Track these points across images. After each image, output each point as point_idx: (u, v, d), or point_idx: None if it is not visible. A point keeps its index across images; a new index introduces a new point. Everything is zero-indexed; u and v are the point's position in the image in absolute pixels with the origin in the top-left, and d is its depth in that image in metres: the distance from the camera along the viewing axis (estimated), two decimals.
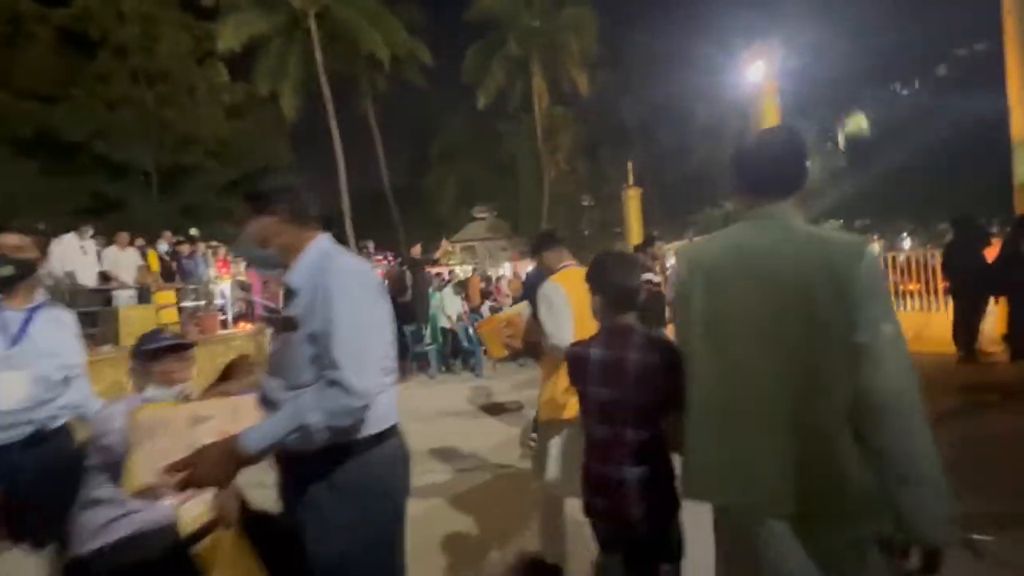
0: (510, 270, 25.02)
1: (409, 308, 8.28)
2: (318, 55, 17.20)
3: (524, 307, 2.53)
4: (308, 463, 1.28)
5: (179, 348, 1.95)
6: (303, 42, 17.81)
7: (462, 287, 8.22)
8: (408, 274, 8.16)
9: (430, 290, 9.37)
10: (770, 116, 9.95)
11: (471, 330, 7.96)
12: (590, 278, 1.60)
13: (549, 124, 21.08)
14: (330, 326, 1.23)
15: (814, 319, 1.08)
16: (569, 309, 2.13)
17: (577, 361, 1.56)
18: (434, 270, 12.07)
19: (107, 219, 17.06)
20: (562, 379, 2.12)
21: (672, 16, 21.37)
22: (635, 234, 13.62)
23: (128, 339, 6.37)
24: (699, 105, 18.61)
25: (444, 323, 7.83)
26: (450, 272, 13.04)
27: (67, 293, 6.45)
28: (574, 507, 2.38)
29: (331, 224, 20.42)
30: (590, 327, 1.66)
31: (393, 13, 18.86)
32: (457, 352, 8.00)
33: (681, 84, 18.27)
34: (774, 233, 1.17)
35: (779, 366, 1.11)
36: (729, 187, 1.37)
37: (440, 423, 5.55)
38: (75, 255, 6.42)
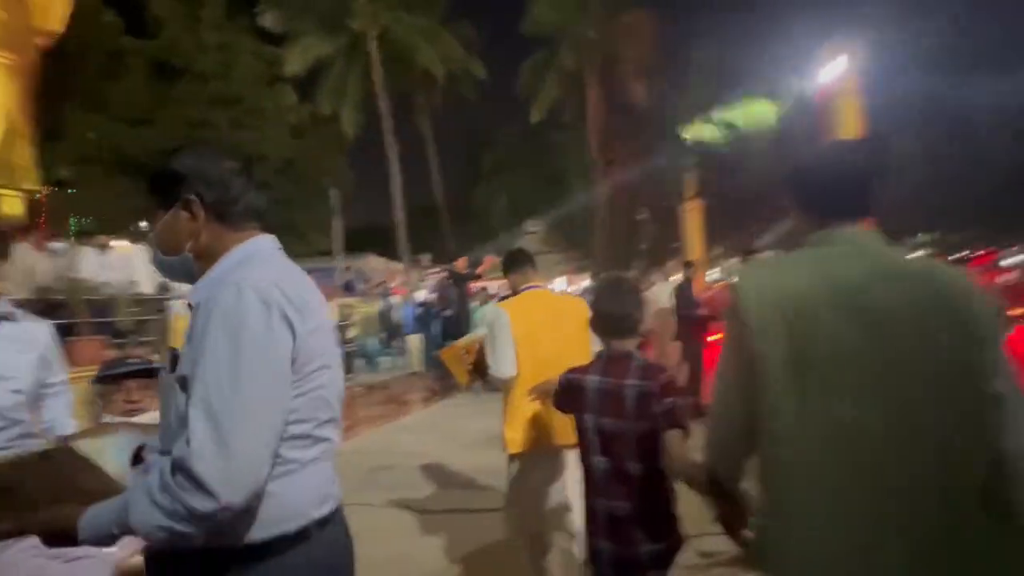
0: (564, 284, 24.56)
1: (453, 323, 8.11)
2: (376, 74, 17.80)
3: (483, 333, 2.40)
4: (170, 569, 0.87)
5: (144, 374, 1.74)
6: (363, 62, 18.52)
7: None
8: (454, 289, 8.00)
9: (474, 305, 9.19)
10: (851, 120, 9.06)
11: None
12: (590, 305, 1.58)
13: (604, 135, 20.64)
14: (195, 371, 0.81)
15: (938, 365, 0.92)
16: (510, 337, 2.03)
17: (572, 389, 1.50)
18: (480, 284, 11.91)
19: None
20: (516, 412, 2.04)
21: (735, 17, 20.26)
22: (696, 249, 12.83)
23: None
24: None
25: None
26: (500, 286, 12.84)
27: (130, 301, 6.77)
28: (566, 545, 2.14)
29: (387, 237, 21.08)
30: (543, 352, 1.73)
31: (447, 29, 19.24)
32: None
33: (745, 88, 17.30)
34: (865, 262, 1.01)
35: (896, 421, 0.93)
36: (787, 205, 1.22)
37: (480, 447, 5.23)
38: (141, 265, 6.73)
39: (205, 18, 16.10)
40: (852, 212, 1.06)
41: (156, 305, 7.00)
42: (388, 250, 26.54)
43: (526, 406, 1.97)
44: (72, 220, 17.32)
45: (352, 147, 22.06)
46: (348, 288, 12.23)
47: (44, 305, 5.67)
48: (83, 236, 7.18)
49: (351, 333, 10.64)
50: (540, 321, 2.05)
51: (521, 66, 21.12)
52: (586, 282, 24.22)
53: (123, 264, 6.59)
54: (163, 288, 7.05)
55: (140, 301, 6.80)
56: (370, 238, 37.41)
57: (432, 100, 23.53)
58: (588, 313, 1.65)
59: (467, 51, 20.62)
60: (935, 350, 0.91)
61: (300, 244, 21.80)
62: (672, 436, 1.28)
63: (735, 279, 1.14)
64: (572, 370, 1.54)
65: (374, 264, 30.03)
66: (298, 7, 16.11)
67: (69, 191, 17.03)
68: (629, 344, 1.48)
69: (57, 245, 6.06)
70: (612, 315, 1.49)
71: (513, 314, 2.09)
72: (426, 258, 23.53)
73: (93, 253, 6.13)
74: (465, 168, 30.03)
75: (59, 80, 16.25)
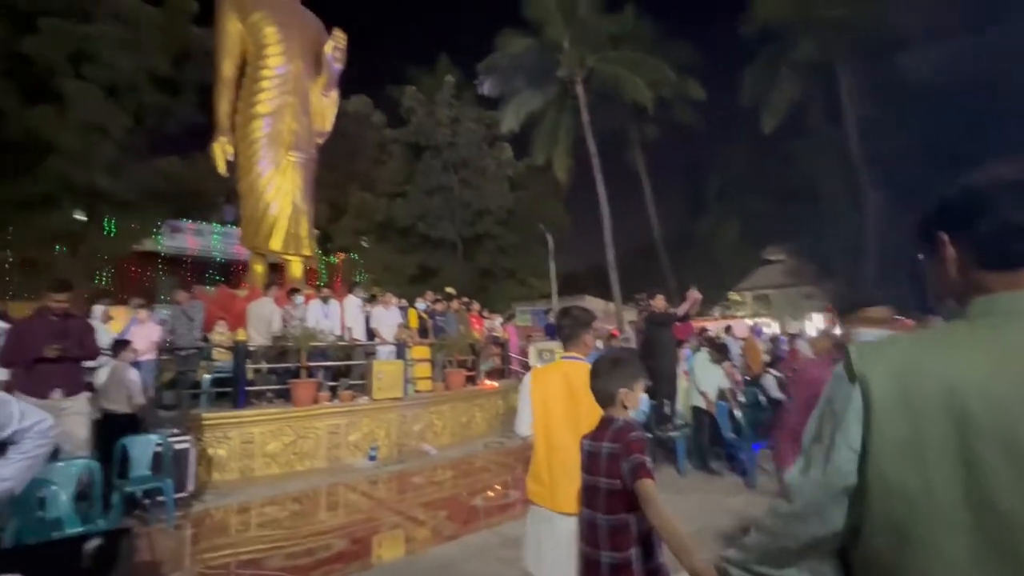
0: (819, 324, 19.63)
1: (653, 375, 6.60)
2: (585, 117, 17.84)
3: None
4: None
5: None
6: (572, 108, 18.85)
7: (722, 352, 6.04)
8: (653, 331, 6.54)
9: (687, 353, 7.48)
10: None
11: (738, 413, 5.67)
12: None
13: (869, 129, 16.06)
14: None
15: None
16: (528, 400, 2.22)
17: (580, 449, 1.79)
18: (699, 325, 9.92)
19: (429, 284, 21.51)
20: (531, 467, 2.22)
21: None
22: None
23: (379, 392, 6.85)
24: None
25: (699, 401, 5.79)
26: (727, 329, 10.53)
27: (348, 347, 7.44)
28: None
29: (604, 277, 20.48)
30: (556, 422, 2.09)
31: (659, 54, 18.16)
32: (717, 443, 5.77)
33: None
34: None
35: None
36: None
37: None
38: (355, 314, 7.44)
39: (439, 100, 18.85)
40: None
41: (366, 350, 7.57)
42: (606, 291, 26.08)
43: (537, 464, 2.16)
44: (357, 278, 22.00)
45: (571, 190, 22.62)
46: (550, 331, 11.76)
47: (278, 351, 6.59)
48: (359, 290, 8.36)
49: None
50: (556, 392, 2.15)
51: (744, 71, 18.39)
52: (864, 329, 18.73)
53: (340, 313, 7.34)
54: (371, 335, 7.64)
55: (355, 348, 7.41)
56: (589, 279, 37.66)
57: (645, 132, 22.54)
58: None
59: (680, 73, 19.09)
60: None
61: (522, 288, 23.01)
62: (642, 485, 1.43)
63: (852, 356, 0.74)
64: (586, 434, 1.83)
65: (591, 305, 29.77)
66: (510, 69, 17.46)
67: (353, 255, 21.70)
68: (614, 411, 1.75)
69: (298, 298, 7.08)
70: (596, 390, 1.81)
71: (534, 380, 2.24)
72: (644, 296, 21.92)
73: (318, 304, 7.00)
74: (690, 197, 27.66)
75: (344, 169, 21.19)
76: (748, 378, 7.40)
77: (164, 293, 15.37)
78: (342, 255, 22.07)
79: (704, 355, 5.83)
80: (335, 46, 10.41)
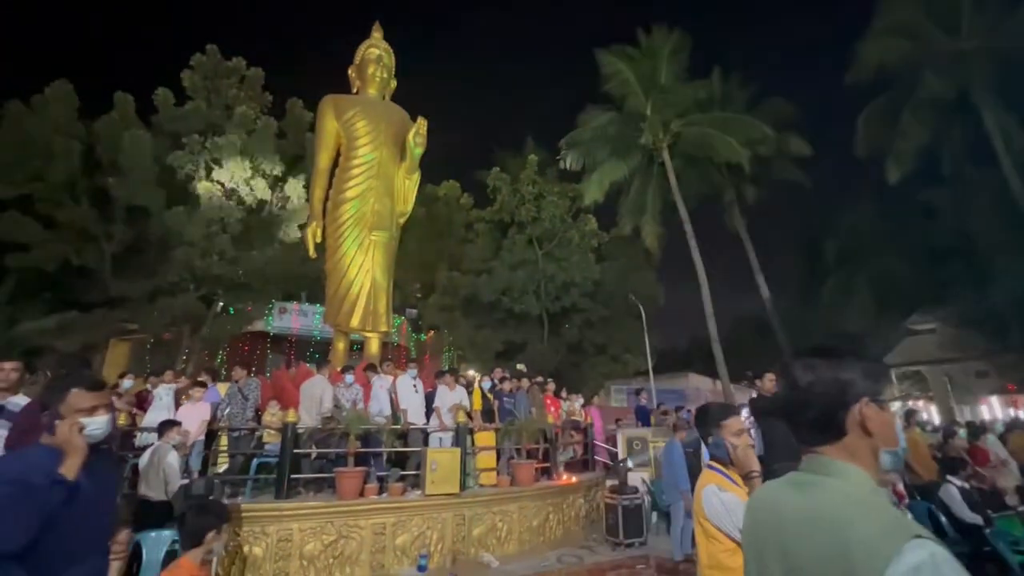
0: (1001, 407, 15.51)
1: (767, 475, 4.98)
2: (673, 182, 16.96)
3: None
4: None
5: None
6: (660, 174, 18.09)
7: None
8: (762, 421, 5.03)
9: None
10: None
11: None
12: None
13: None
14: None
15: None
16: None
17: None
18: None
19: (515, 359, 20.75)
20: None
21: None
22: None
23: (432, 486, 5.94)
24: None
25: None
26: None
27: (405, 433, 6.74)
28: None
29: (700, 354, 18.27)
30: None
31: (755, 111, 17.04)
32: None
33: None
34: (815, 497, 0.94)
35: None
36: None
37: None
38: (409, 393, 6.80)
39: (523, 178, 19.17)
40: (812, 438, 1.01)
41: (425, 434, 6.80)
42: (712, 368, 23.33)
43: None
44: (446, 355, 21.92)
45: (665, 259, 21.36)
46: (641, 415, 10.12)
47: (324, 433, 6.07)
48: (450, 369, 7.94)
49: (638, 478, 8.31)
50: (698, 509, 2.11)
51: (860, 119, 16.48)
52: None
53: (392, 392, 6.74)
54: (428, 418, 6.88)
55: (413, 432, 6.69)
56: (692, 355, 34.38)
57: (743, 193, 20.91)
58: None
59: (779, 130, 17.69)
60: None
61: (615, 365, 21.31)
62: None
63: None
64: None
65: (696, 383, 26.69)
66: (592, 142, 17.40)
67: (444, 331, 21.79)
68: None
69: (348, 377, 6.65)
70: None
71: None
72: (750, 374, 19.09)
73: (376, 381, 6.48)
74: (805, 261, 24.68)
75: (434, 250, 21.94)
76: (918, 489, 5.40)
77: (269, 370, 16.36)
78: (431, 332, 22.32)
79: None
80: (417, 131, 10.87)
